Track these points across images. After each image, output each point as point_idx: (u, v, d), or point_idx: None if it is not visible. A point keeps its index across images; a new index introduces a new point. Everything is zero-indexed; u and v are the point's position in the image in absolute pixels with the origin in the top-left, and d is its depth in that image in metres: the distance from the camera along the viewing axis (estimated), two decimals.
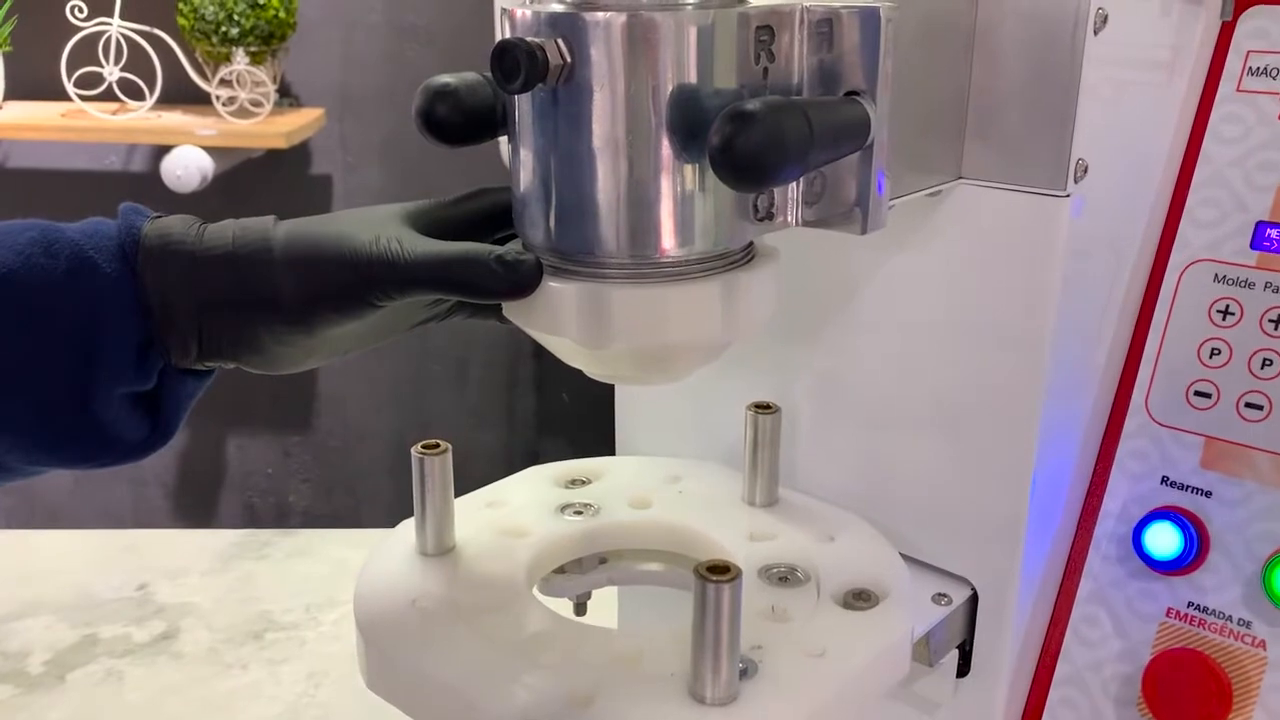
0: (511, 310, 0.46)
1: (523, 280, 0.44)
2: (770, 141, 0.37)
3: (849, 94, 0.43)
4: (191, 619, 0.93)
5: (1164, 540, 0.55)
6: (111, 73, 1.61)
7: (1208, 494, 0.55)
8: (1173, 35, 0.56)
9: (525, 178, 0.44)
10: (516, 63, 0.39)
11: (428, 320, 0.51)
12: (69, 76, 1.60)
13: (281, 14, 1.62)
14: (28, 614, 0.94)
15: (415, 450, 0.52)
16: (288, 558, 1.01)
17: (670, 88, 0.41)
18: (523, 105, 0.43)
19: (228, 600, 0.95)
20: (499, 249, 0.44)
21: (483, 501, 0.59)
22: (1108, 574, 0.57)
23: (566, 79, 0.41)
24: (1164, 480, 0.56)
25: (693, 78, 0.41)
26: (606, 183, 0.42)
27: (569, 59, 0.40)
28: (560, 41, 0.40)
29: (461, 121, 0.45)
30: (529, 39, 0.40)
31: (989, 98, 0.49)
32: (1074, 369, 0.55)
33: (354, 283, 0.44)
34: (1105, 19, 0.48)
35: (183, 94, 1.66)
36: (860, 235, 0.44)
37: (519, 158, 0.44)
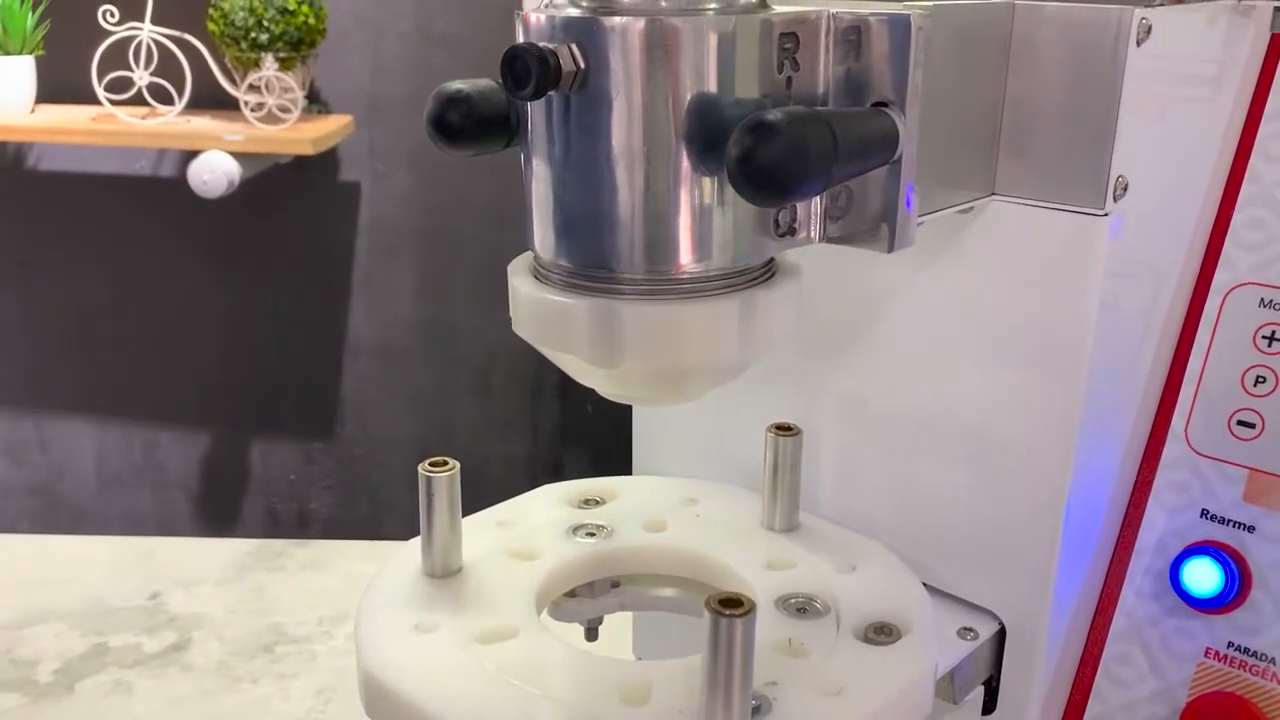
0: (521, 326, 0.45)
1: None
2: (791, 154, 0.35)
3: (877, 105, 0.41)
4: (203, 630, 0.91)
5: (1203, 576, 0.52)
6: (142, 77, 1.61)
7: (1250, 529, 0.52)
8: (1220, 48, 0.53)
9: (537, 188, 0.42)
10: (527, 69, 0.38)
11: None
12: (99, 81, 1.60)
13: (311, 21, 1.62)
14: (39, 621, 0.93)
15: (422, 468, 0.51)
16: (302, 569, 1.00)
17: (689, 97, 0.39)
18: (535, 113, 0.41)
19: (240, 611, 0.94)
20: None
21: (493, 521, 0.57)
22: (1143, 610, 0.54)
23: (580, 86, 0.39)
24: (1204, 513, 0.53)
25: (713, 86, 0.39)
26: (620, 195, 0.40)
27: (583, 65, 0.39)
28: (574, 47, 0.38)
29: (474, 129, 0.44)
30: (541, 44, 0.38)
31: (1025, 111, 0.47)
32: (1111, 395, 0.53)
33: None
34: (1149, 30, 0.46)
35: (212, 99, 1.66)
36: (887, 253, 0.42)
37: (531, 167, 0.42)
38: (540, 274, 0.44)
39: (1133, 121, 0.47)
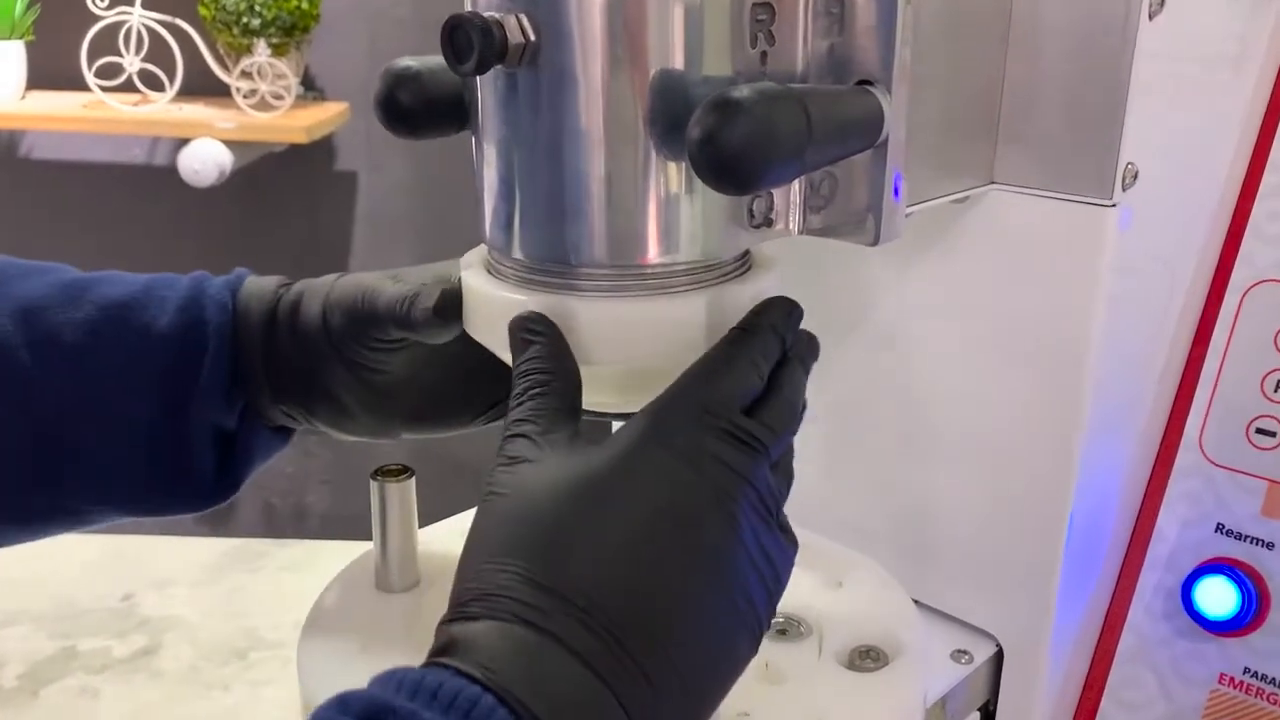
0: (471, 324, 0.41)
1: (435, 308, 0.43)
2: (759, 136, 0.32)
3: (861, 84, 0.37)
4: (174, 633, 0.88)
5: (1217, 596, 0.49)
6: (132, 63, 1.58)
7: (1269, 545, 0.49)
8: (1239, 24, 0.49)
9: (487, 174, 0.39)
10: (468, 40, 0.34)
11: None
12: (89, 67, 1.57)
13: (304, 5, 1.58)
14: (8, 622, 0.90)
15: (374, 476, 0.47)
16: (281, 570, 0.97)
17: (652, 73, 0.35)
18: (483, 90, 0.38)
19: (214, 614, 0.91)
20: (441, 285, 0.43)
21: (458, 530, 0.53)
22: (1153, 631, 0.51)
23: (530, 60, 0.35)
24: (1219, 528, 0.50)
25: (678, 62, 0.35)
26: (577, 182, 0.36)
27: (532, 37, 0.35)
28: (523, 17, 0.35)
29: (423, 110, 0.40)
30: (486, 14, 0.35)
31: (1026, 92, 0.44)
32: (1119, 399, 0.49)
33: (356, 315, 0.45)
34: (1162, 3, 0.42)
35: (204, 86, 1.63)
36: (871, 246, 0.39)
37: (481, 151, 0.39)
38: (494, 268, 0.40)
39: (1144, 104, 0.43)
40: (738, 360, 0.36)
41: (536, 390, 0.36)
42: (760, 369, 0.37)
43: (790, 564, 0.37)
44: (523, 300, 0.38)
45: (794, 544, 0.37)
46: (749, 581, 0.34)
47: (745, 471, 0.34)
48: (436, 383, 0.47)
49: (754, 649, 0.35)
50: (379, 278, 0.46)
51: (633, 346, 0.38)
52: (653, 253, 0.37)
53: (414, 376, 0.47)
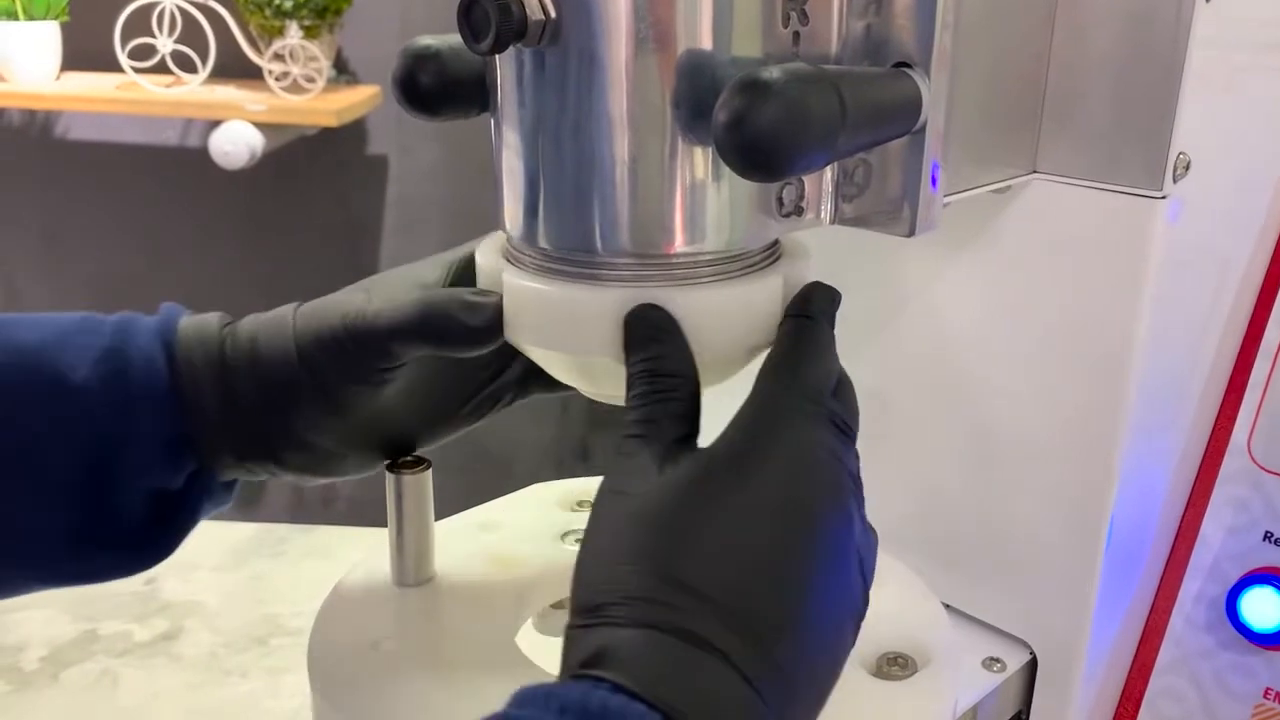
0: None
1: (488, 321, 0.39)
2: (788, 120, 0.30)
3: (898, 66, 0.35)
4: (195, 619, 0.88)
5: (1264, 608, 0.47)
6: (165, 45, 1.58)
7: None
8: None
9: (506, 159, 0.37)
10: (486, 17, 0.33)
11: (494, 402, 0.47)
12: (123, 48, 1.57)
13: None
14: (30, 605, 0.90)
15: (389, 468, 0.46)
16: (303, 557, 0.96)
17: (679, 53, 0.34)
18: (502, 70, 0.36)
19: (235, 600, 0.91)
20: (468, 291, 0.40)
21: (475, 523, 0.53)
22: (1194, 642, 0.49)
23: (551, 39, 0.34)
24: (1267, 536, 0.48)
25: (706, 42, 0.34)
26: (598, 167, 0.35)
27: (553, 14, 0.33)
28: None
29: (443, 90, 0.39)
30: None
31: (1072, 76, 0.42)
32: (1163, 399, 0.47)
33: (347, 345, 0.41)
34: None
35: (237, 68, 1.63)
36: (907, 237, 0.37)
37: (500, 134, 0.37)
38: (512, 257, 0.39)
39: (1198, 91, 0.41)
40: (822, 346, 0.36)
41: (658, 395, 0.35)
42: (835, 354, 0.37)
43: (876, 551, 0.37)
44: (545, 290, 0.37)
45: (874, 531, 0.37)
46: (857, 570, 0.34)
47: (847, 459, 0.35)
48: (427, 400, 0.45)
49: (856, 637, 0.35)
50: (353, 299, 0.42)
51: None
52: (677, 241, 0.36)
53: (402, 402, 0.44)
